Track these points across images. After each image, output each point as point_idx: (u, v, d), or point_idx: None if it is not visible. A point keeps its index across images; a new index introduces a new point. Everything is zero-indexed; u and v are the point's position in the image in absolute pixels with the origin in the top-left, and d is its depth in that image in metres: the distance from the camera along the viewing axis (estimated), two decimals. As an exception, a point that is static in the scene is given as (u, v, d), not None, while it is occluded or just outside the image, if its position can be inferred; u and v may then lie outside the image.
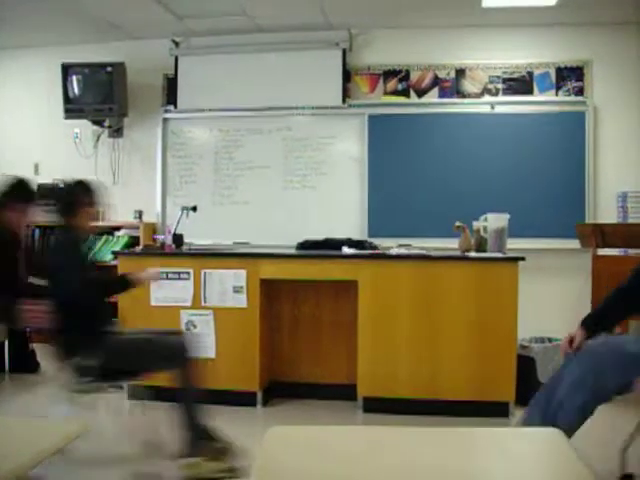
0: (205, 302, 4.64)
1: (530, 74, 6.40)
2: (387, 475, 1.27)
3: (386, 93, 6.55)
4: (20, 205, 3.95)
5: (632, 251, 5.55)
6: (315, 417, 4.48)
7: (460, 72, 6.47)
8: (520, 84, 6.41)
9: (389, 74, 6.54)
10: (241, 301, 4.60)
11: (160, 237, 5.44)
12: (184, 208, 5.17)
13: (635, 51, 6.37)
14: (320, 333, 4.91)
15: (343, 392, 4.68)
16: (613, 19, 6.23)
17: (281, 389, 4.87)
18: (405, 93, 6.52)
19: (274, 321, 4.91)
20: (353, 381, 4.56)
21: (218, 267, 4.64)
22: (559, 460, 1.34)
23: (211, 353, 4.59)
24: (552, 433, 1.47)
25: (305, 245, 5.22)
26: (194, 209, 5.18)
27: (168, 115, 6.82)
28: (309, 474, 1.26)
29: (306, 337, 4.92)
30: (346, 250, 4.70)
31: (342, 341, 4.82)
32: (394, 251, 4.69)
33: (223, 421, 3.47)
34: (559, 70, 6.39)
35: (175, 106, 6.78)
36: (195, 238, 5.66)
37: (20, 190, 3.97)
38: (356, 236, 5.83)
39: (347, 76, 6.52)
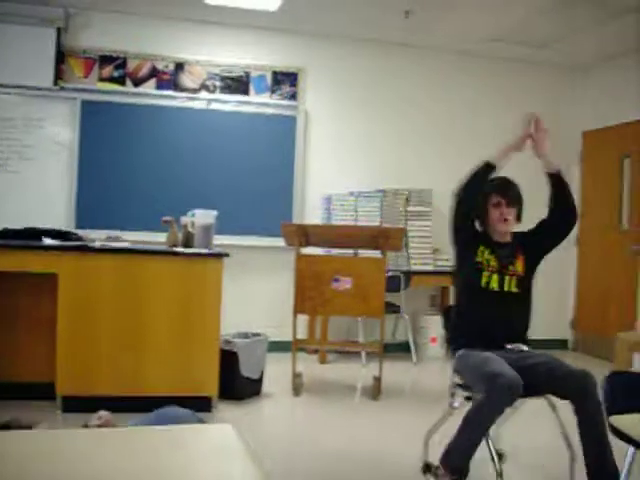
0: None
1: (247, 75, 6.57)
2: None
3: (101, 79, 6.31)
4: None
5: (334, 251, 5.95)
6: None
7: (179, 66, 6.44)
8: (237, 84, 6.55)
9: (105, 60, 6.30)
10: None
11: None
12: None
13: (344, 61, 6.83)
14: (17, 329, 4.58)
15: (42, 391, 4.41)
16: (327, 30, 6.61)
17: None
18: (121, 81, 6.34)
19: (-36, 316, 4.48)
20: (53, 379, 4.32)
21: None
22: (229, 455, 1.38)
23: None
24: (223, 429, 1.50)
25: (4, 234, 4.82)
26: None
27: None
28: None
29: (1, 333, 4.56)
30: (47, 241, 4.43)
31: (41, 337, 4.55)
32: (97, 244, 4.52)
33: None
34: (275, 74, 6.64)
35: None
36: None
37: None
38: (63, 227, 5.53)
39: (61, 57, 6.17)
